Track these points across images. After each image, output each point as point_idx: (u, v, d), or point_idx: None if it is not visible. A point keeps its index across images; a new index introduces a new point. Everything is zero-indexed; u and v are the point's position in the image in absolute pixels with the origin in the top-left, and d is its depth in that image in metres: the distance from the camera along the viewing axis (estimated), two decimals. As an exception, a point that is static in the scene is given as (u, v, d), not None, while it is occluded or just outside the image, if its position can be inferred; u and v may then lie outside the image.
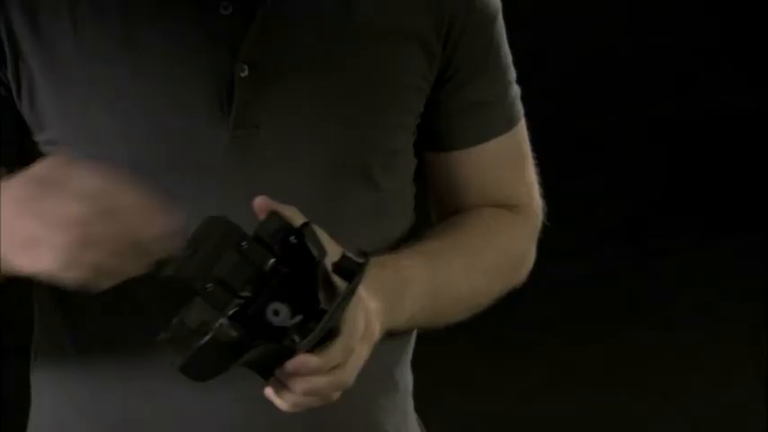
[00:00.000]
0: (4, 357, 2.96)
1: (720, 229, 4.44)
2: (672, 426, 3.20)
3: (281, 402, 0.97)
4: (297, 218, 0.95)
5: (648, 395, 3.34)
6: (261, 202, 0.94)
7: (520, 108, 1.23)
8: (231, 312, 0.92)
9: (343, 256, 0.95)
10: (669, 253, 4.27)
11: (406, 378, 1.25)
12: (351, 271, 0.94)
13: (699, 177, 4.95)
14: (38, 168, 0.91)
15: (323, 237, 0.94)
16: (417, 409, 1.29)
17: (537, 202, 1.26)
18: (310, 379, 0.94)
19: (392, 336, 1.14)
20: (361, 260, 0.94)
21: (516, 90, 1.22)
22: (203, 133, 1.04)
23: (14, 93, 1.06)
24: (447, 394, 3.17)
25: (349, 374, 0.98)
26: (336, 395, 0.99)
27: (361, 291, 0.98)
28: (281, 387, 0.95)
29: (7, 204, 0.90)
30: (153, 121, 1.04)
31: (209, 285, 0.91)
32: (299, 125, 1.07)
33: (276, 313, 0.92)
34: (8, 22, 1.04)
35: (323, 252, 0.93)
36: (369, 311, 1.00)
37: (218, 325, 0.90)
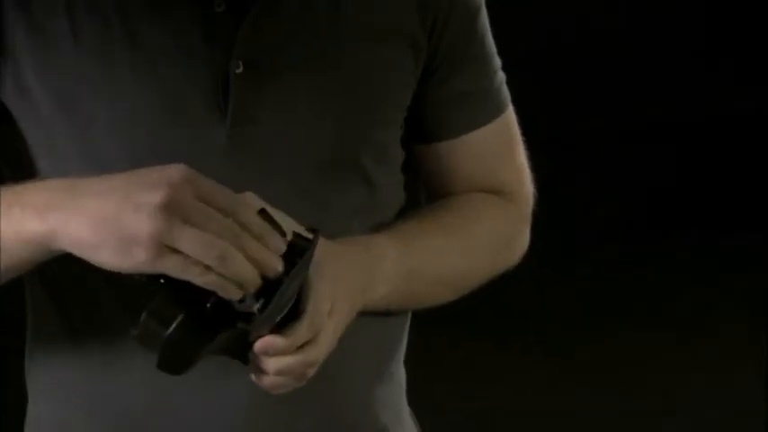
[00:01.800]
0: (4, 357, 2.96)
1: (720, 229, 4.44)
2: (672, 426, 3.20)
3: (264, 385, 0.99)
4: (255, 203, 0.96)
5: (648, 395, 3.34)
6: None
7: (506, 95, 1.23)
8: (196, 304, 0.93)
9: (294, 235, 0.96)
10: (669, 253, 4.27)
11: (400, 371, 1.26)
12: (302, 248, 0.96)
13: (699, 177, 4.95)
14: (165, 173, 0.90)
15: (278, 216, 0.95)
16: (411, 406, 1.29)
17: (527, 188, 1.27)
18: (281, 359, 0.96)
19: (385, 316, 1.15)
20: (310, 236, 0.96)
21: (501, 77, 1.22)
22: (201, 131, 1.04)
23: (6, 91, 1.06)
24: (443, 392, 3.17)
25: (319, 351, 0.99)
26: (311, 372, 1.00)
27: (327, 269, 1.00)
28: (258, 370, 0.98)
29: (126, 203, 0.89)
30: (151, 120, 1.04)
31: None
32: (294, 122, 1.08)
33: (242, 300, 0.93)
34: (4, 20, 1.04)
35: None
36: (335, 288, 1.01)
37: (181, 316, 0.91)
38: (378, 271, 1.09)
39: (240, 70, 1.05)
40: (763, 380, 3.31)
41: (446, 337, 3.27)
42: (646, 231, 4.50)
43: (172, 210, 0.88)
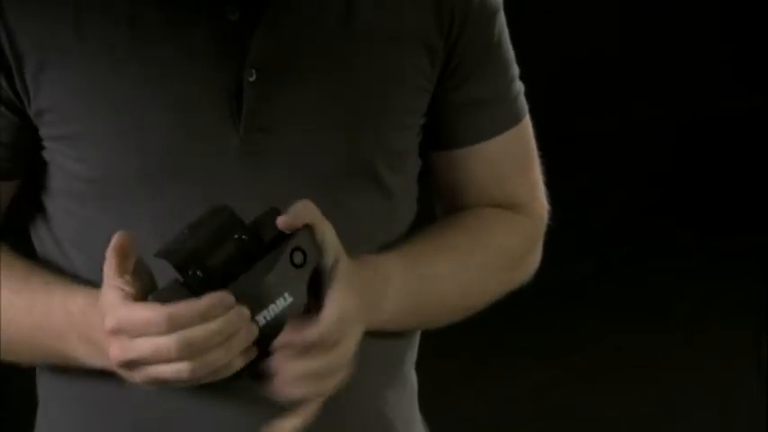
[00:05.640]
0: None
1: (720, 230, 4.44)
2: (672, 426, 3.20)
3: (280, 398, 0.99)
4: (310, 211, 0.98)
5: (649, 395, 3.34)
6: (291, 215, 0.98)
7: (523, 105, 1.21)
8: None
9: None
10: (669, 253, 4.27)
11: (413, 377, 1.25)
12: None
13: (699, 177, 4.95)
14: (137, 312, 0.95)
15: (329, 236, 0.98)
16: (420, 410, 1.29)
17: (540, 203, 1.24)
18: (303, 362, 0.97)
19: (395, 335, 1.15)
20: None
21: (519, 86, 1.20)
22: (214, 139, 1.04)
23: (18, 96, 1.06)
24: (448, 395, 3.17)
25: (342, 358, 1.00)
26: (330, 384, 1.00)
27: (353, 279, 1.01)
28: (272, 382, 0.98)
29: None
30: (163, 128, 1.04)
31: (198, 272, 0.93)
32: (308, 128, 1.07)
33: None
34: (9, 24, 1.04)
35: (317, 254, 0.97)
36: (360, 299, 1.02)
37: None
38: (383, 291, 1.09)
39: (253, 78, 1.04)
40: (763, 380, 3.31)
41: (447, 339, 3.27)
42: (646, 232, 4.50)
43: (119, 334, 0.95)
